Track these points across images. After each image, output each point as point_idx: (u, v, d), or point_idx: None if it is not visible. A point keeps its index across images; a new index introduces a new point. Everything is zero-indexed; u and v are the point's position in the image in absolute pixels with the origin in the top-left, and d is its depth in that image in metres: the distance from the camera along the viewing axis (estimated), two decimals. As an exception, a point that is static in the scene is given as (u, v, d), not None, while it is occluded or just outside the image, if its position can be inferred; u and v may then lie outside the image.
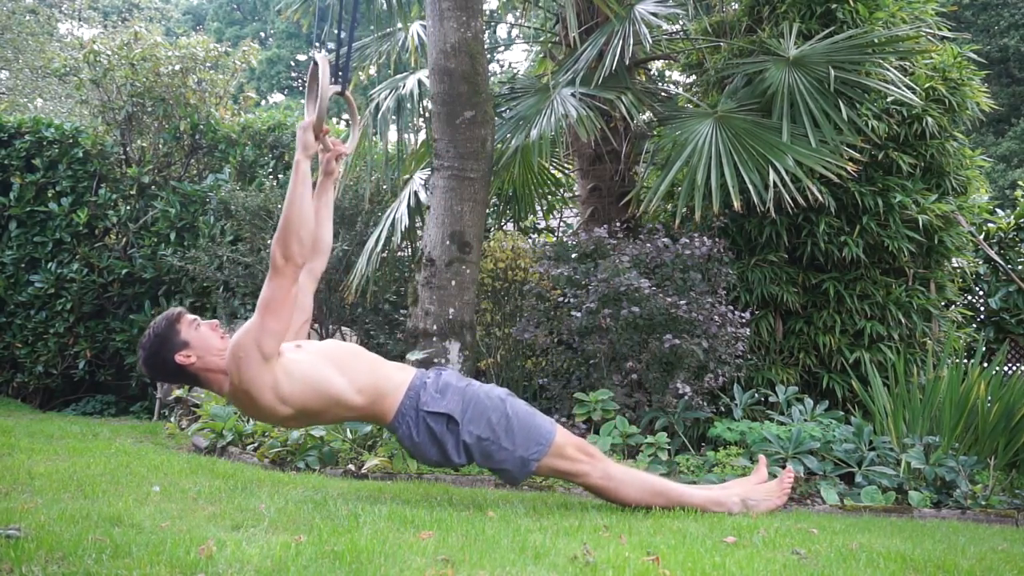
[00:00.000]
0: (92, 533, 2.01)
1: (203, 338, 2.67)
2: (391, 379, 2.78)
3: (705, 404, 4.29)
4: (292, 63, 25.10)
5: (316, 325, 6.24)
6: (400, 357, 5.60)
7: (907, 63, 4.93)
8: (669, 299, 4.23)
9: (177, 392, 5.52)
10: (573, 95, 4.78)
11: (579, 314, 4.35)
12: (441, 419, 2.73)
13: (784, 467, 3.55)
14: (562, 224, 7.06)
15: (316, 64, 2.85)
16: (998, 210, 6.94)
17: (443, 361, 4.23)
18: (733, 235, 4.93)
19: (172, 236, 7.38)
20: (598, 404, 4.07)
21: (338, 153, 3.05)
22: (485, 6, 6.20)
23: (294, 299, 2.64)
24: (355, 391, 2.69)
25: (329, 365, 2.69)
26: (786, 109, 4.53)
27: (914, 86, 4.71)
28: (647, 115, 5.36)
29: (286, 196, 2.63)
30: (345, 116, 12.33)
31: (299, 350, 2.72)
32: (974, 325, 6.57)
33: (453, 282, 4.29)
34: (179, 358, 2.64)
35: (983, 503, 3.38)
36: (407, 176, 6.01)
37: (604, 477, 2.84)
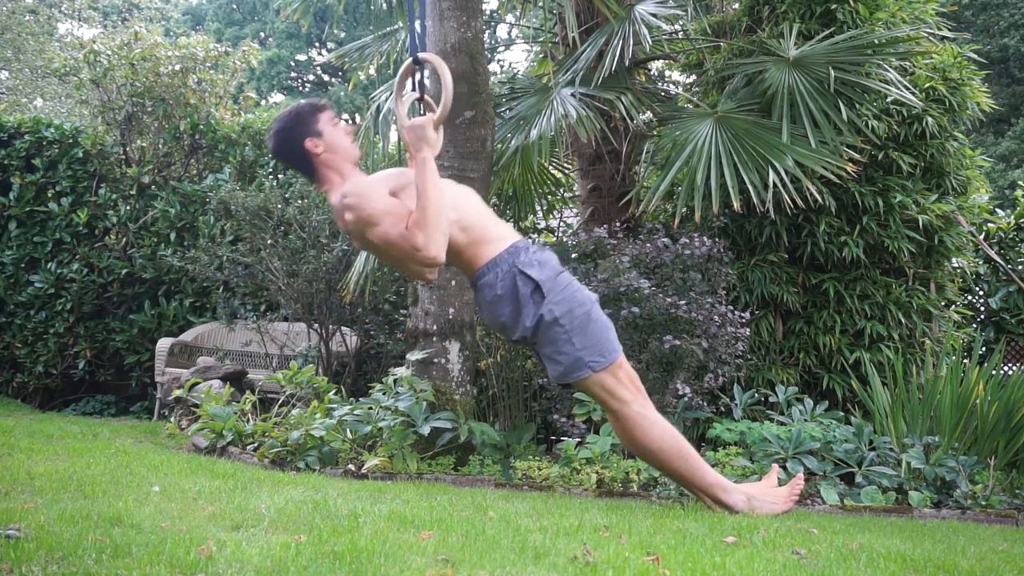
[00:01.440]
0: (92, 533, 2.01)
1: (337, 136, 2.78)
2: (496, 229, 2.84)
3: (705, 404, 4.29)
4: (292, 63, 25.10)
5: (316, 325, 6.24)
6: (400, 357, 5.60)
7: (907, 63, 4.93)
8: (669, 299, 4.23)
9: (177, 392, 5.52)
10: (573, 95, 4.77)
11: (579, 314, 4.34)
12: (530, 284, 2.75)
13: (785, 467, 3.56)
14: (562, 224, 7.05)
15: (416, 61, 2.91)
16: (998, 210, 6.94)
17: (443, 361, 4.23)
18: (733, 235, 4.93)
19: (172, 236, 7.38)
20: (598, 404, 4.06)
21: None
22: (485, 6, 6.20)
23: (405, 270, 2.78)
24: (460, 229, 2.75)
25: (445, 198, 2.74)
26: (786, 109, 4.53)
27: (914, 87, 4.71)
28: (647, 115, 5.36)
29: (425, 194, 2.64)
30: (345, 117, 12.35)
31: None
32: (974, 325, 6.57)
33: (453, 282, 4.28)
34: (309, 143, 2.75)
35: (983, 503, 3.38)
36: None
37: (640, 414, 2.85)
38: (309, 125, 2.76)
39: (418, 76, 2.95)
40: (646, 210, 4.92)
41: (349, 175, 2.78)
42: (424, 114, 2.91)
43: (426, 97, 3.04)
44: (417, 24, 3.04)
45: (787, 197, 4.32)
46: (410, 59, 2.94)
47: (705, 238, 4.56)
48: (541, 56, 6.71)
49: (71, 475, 3.08)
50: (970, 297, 6.75)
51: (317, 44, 25.29)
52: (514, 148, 4.87)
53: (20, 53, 15.24)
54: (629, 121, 5.06)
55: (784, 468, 3.54)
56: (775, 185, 4.34)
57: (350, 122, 11.55)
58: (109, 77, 7.64)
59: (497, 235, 2.82)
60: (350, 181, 2.76)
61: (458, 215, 2.75)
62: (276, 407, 4.96)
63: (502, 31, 19.61)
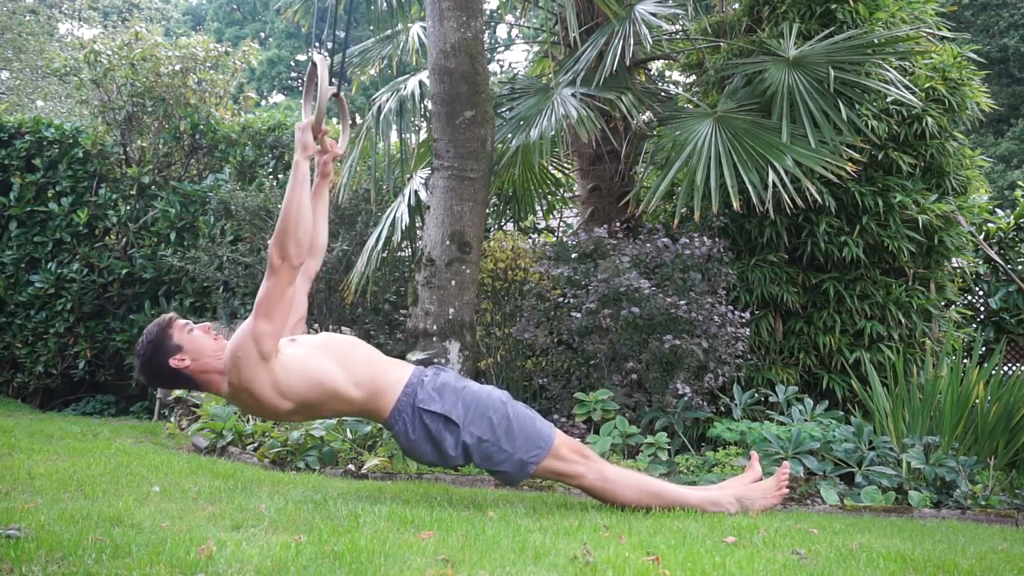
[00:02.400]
0: (92, 533, 2.01)
1: (196, 341, 2.68)
2: (388, 374, 2.78)
3: (705, 404, 4.29)
4: (292, 63, 25.10)
5: (316, 325, 6.24)
6: (400, 357, 5.59)
7: (907, 63, 4.93)
8: (669, 299, 4.23)
9: (177, 392, 5.53)
10: (573, 95, 4.78)
11: (579, 314, 4.35)
12: (438, 419, 2.73)
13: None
14: (562, 224, 7.06)
15: (314, 65, 2.86)
16: (998, 210, 6.94)
17: (443, 361, 4.23)
18: (733, 235, 4.93)
19: (172, 236, 7.38)
20: (598, 404, 4.07)
21: (334, 155, 3.07)
22: (485, 6, 6.20)
23: (291, 299, 2.65)
24: (352, 384, 2.70)
25: (326, 356, 2.71)
26: (786, 109, 4.53)
27: (914, 86, 4.71)
28: (647, 115, 5.36)
29: (285, 197, 2.63)
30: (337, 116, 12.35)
31: (295, 344, 2.74)
32: (974, 325, 6.57)
33: (453, 282, 4.29)
34: (174, 362, 2.66)
35: (983, 503, 3.38)
36: (408, 176, 6.01)
37: (600, 479, 2.85)
38: (166, 345, 2.66)
39: (327, 75, 2.89)
40: (646, 210, 4.92)
41: (221, 362, 2.68)
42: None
43: (341, 95, 3.00)
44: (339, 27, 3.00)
45: (787, 197, 4.32)
46: (310, 64, 2.92)
47: (705, 238, 4.56)
48: (541, 56, 6.71)
49: (71, 475, 3.08)
50: (970, 297, 6.76)
51: (317, 44, 25.27)
52: (514, 148, 4.87)
53: (20, 53, 15.24)
54: (629, 121, 5.06)
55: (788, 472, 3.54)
56: (775, 185, 4.34)
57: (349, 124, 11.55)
58: (109, 77, 7.64)
59: (391, 381, 2.76)
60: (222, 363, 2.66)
61: (346, 372, 2.69)
62: (276, 407, 4.95)
63: (502, 31, 19.62)
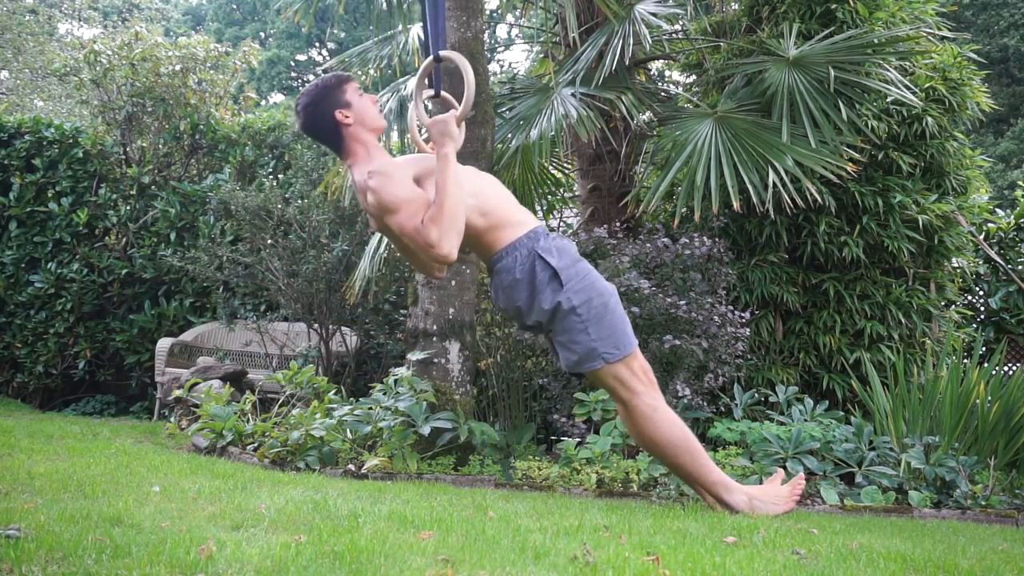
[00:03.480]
0: (92, 533, 2.01)
1: (365, 104, 2.80)
2: (517, 214, 2.84)
3: (705, 404, 4.29)
4: (292, 63, 25.10)
5: (316, 325, 6.24)
6: (400, 357, 5.60)
7: (907, 63, 4.93)
8: (669, 299, 4.23)
9: (177, 392, 5.52)
10: (573, 95, 4.78)
11: (579, 314, 4.35)
12: (549, 271, 2.75)
13: (785, 467, 3.56)
14: (562, 224, 7.05)
15: (437, 59, 2.94)
16: (998, 210, 6.94)
17: (443, 361, 4.23)
18: (733, 235, 4.93)
19: (172, 236, 7.38)
20: (598, 404, 4.07)
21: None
22: (485, 6, 6.19)
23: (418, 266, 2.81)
24: (479, 213, 2.76)
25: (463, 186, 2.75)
26: (786, 109, 4.53)
27: (914, 86, 4.71)
28: (647, 115, 5.36)
29: (444, 190, 2.64)
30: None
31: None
32: (974, 325, 6.57)
33: (453, 282, 4.28)
34: (338, 115, 2.76)
35: (983, 503, 3.38)
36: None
37: (651, 406, 2.83)
38: (337, 97, 2.77)
39: (471, 70, 2.94)
40: (646, 210, 4.92)
41: (374, 150, 2.79)
42: (433, 113, 2.92)
43: (443, 94, 3.06)
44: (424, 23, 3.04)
45: (787, 197, 4.32)
46: (430, 57, 2.95)
47: (705, 238, 4.56)
48: (542, 56, 6.71)
49: (71, 475, 3.08)
50: (970, 297, 6.75)
51: (317, 44, 25.29)
52: (514, 148, 4.87)
53: (20, 53, 15.24)
54: (629, 121, 5.06)
55: (784, 468, 3.54)
56: (775, 185, 4.34)
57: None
58: (109, 77, 7.65)
59: (517, 220, 2.82)
60: (376, 160, 2.75)
61: (477, 201, 2.75)
62: (276, 407, 4.96)
63: (502, 31, 19.61)
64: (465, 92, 2.82)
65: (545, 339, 3.09)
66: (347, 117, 2.76)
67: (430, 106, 3.14)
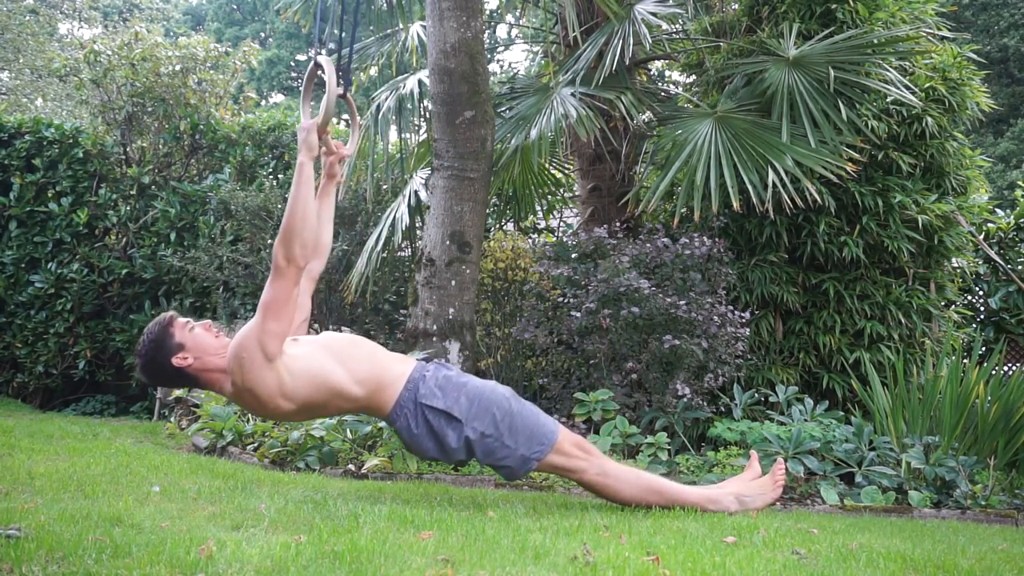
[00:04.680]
0: (92, 533, 2.01)
1: (198, 339, 2.67)
2: (391, 370, 2.77)
3: (705, 404, 4.29)
4: (292, 63, 25.10)
5: (316, 325, 6.24)
6: (400, 357, 5.60)
7: (907, 63, 4.93)
8: (669, 299, 4.23)
9: (177, 392, 5.53)
10: (573, 95, 4.78)
11: (579, 314, 4.35)
12: (440, 415, 2.72)
13: (785, 468, 3.55)
14: (562, 224, 7.05)
15: (317, 65, 2.87)
16: (997, 210, 6.94)
17: (443, 361, 4.23)
18: (733, 235, 4.93)
19: (172, 236, 7.38)
20: (598, 404, 4.07)
21: (340, 156, 3.06)
22: (485, 6, 6.20)
23: (296, 300, 2.65)
24: (354, 382, 2.69)
25: (328, 356, 2.70)
26: (786, 109, 4.53)
27: (914, 86, 4.71)
28: (647, 115, 5.36)
29: (289, 198, 2.62)
30: (345, 117, 12.37)
31: (297, 344, 2.73)
32: (974, 325, 6.57)
33: (453, 282, 4.28)
34: (176, 361, 2.64)
35: (983, 503, 3.38)
36: (407, 176, 6.01)
37: (601, 474, 2.83)
38: (167, 344, 2.65)
39: (335, 75, 2.88)
40: (646, 210, 4.92)
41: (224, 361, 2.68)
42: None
43: (348, 96, 2.99)
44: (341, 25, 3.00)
45: (787, 197, 4.32)
46: (312, 63, 2.92)
47: (705, 238, 4.56)
48: (543, 59, 6.71)
49: (71, 475, 3.08)
50: (970, 297, 6.75)
51: (317, 45, 25.26)
52: (514, 148, 4.87)
53: (20, 53, 15.24)
54: (629, 121, 5.06)
55: (784, 469, 3.54)
56: (775, 185, 4.34)
57: (341, 123, 11.59)
58: (109, 77, 7.64)
59: (393, 376, 2.76)
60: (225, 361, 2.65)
61: (348, 370, 2.68)
62: (276, 407, 4.95)
63: (502, 31, 19.61)
64: (324, 100, 2.76)
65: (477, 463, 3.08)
66: (186, 359, 2.65)
67: (315, 106, 3.02)
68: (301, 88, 2.92)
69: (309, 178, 2.66)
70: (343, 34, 2.98)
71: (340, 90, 2.93)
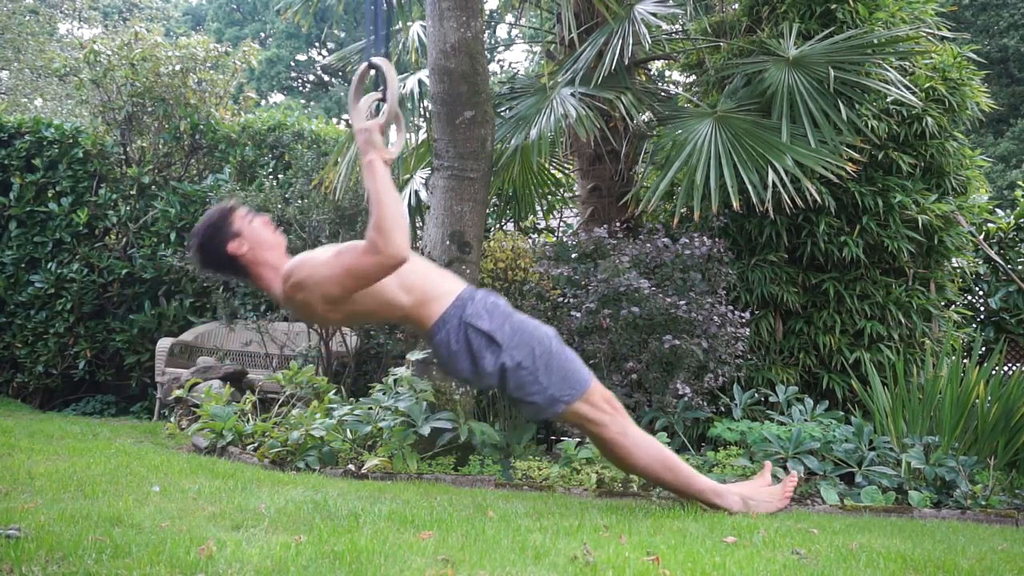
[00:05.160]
0: (92, 533, 2.01)
1: (256, 231, 2.73)
2: (441, 285, 2.81)
3: (705, 404, 4.29)
4: (292, 63, 25.10)
5: (316, 325, 6.24)
6: (400, 357, 5.60)
7: (907, 63, 4.93)
8: (669, 299, 4.23)
9: (177, 392, 5.52)
10: (573, 95, 4.77)
11: (579, 314, 4.35)
12: (483, 336, 2.73)
13: (785, 467, 3.56)
14: (562, 224, 7.05)
15: (370, 65, 2.89)
16: (998, 210, 6.94)
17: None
18: (733, 235, 4.93)
19: (172, 236, 7.38)
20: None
21: (389, 159, 3.07)
22: (485, 6, 6.19)
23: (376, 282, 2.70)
24: (404, 291, 2.72)
25: None
26: (786, 109, 4.53)
27: (914, 86, 4.71)
28: (647, 115, 5.36)
29: (377, 196, 2.58)
30: (345, 116, 12.37)
31: None
32: (974, 325, 6.57)
33: (453, 282, 4.28)
34: (231, 247, 2.69)
35: (983, 503, 3.38)
36: (407, 176, 6.01)
37: (621, 433, 2.83)
38: (226, 230, 2.70)
39: (395, 76, 2.91)
40: (646, 210, 4.92)
41: (280, 262, 2.72)
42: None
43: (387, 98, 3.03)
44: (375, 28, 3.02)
45: (787, 197, 4.32)
46: (364, 63, 2.93)
47: (705, 238, 4.56)
48: (543, 59, 6.70)
49: (71, 475, 3.08)
50: (970, 297, 6.75)
51: (317, 44, 25.29)
52: (514, 148, 4.87)
53: (20, 53, 15.24)
54: (629, 121, 5.06)
55: (784, 468, 3.54)
56: (775, 185, 4.34)
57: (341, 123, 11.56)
58: (109, 77, 7.65)
59: (442, 291, 2.78)
60: (285, 265, 2.68)
61: (399, 278, 2.69)
62: (276, 407, 4.96)
63: (502, 31, 19.62)
64: (387, 99, 2.78)
65: (502, 397, 3.08)
66: (241, 247, 2.69)
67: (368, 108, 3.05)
68: (349, 89, 2.93)
69: (389, 174, 2.67)
70: (382, 32, 2.99)
71: (379, 93, 2.96)
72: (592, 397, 2.80)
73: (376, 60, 2.89)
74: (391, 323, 3.01)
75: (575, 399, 2.77)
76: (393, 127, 2.87)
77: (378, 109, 2.96)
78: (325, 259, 2.61)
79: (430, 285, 2.78)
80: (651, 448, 2.87)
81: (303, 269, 2.61)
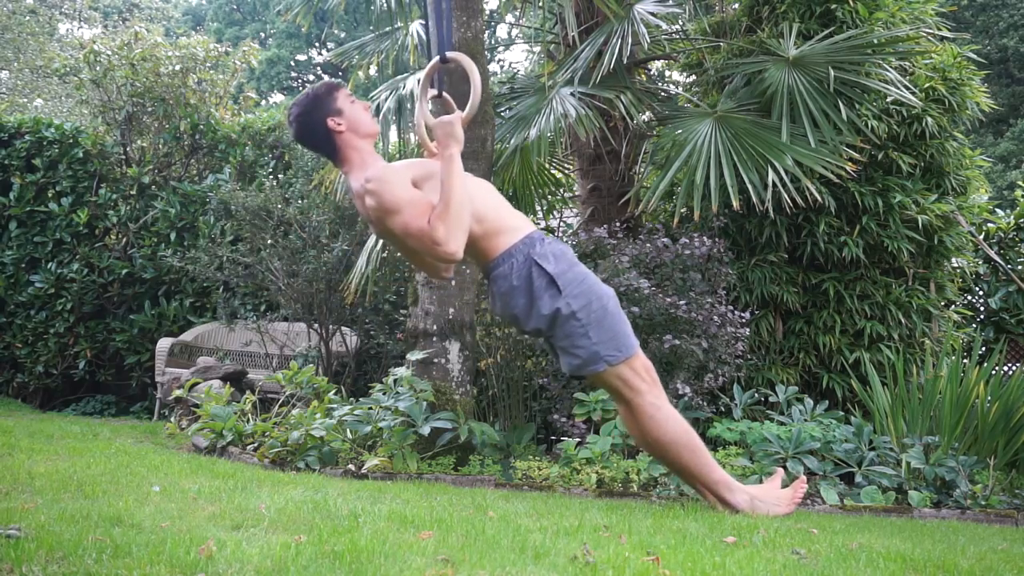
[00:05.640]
0: (92, 533, 2.01)
1: (357, 111, 2.80)
2: (513, 219, 2.84)
3: (705, 404, 4.29)
4: (292, 63, 25.10)
5: (316, 325, 6.24)
6: (400, 357, 5.60)
7: (907, 63, 4.93)
8: (669, 299, 4.24)
9: (177, 392, 5.52)
10: (572, 95, 4.77)
11: (579, 314, 4.35)
12: (546, 277, 2.74)
13: (785, 467, 3.55)
14: (562, 224, 7.05)
15: (444, 60, 2.96)
16: (997, 210, 6.94)
17: (443, 361, 4.23)
18: (733, 235, 4.93)
19: (172, 236, 7.38)
20: (598, 404, 4.07)
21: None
22: (485, 6, 6.19)
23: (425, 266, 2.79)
24: (475, 220, 2.74)
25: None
26: (786, 109, 4.53)
27: (914, 86, 4.71)
28: (647, 115, 5.36)
29: (450, 190, 2.65)
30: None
31: (433, 178, 2.77)
32: (974, 325, 6.57)
33: (453, 282, 4.28)
34: (330, 122, 2.76)
35: (983, 503, 3.38)
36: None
37: (654, 405, 2.83)
38: (328, 105, 2.77)
39: (476, 71, 2.96)
40: (646, 210, 4.92)
41: (369, 157, 2.79)
42: (437, 113, 2.93)
43: (444, 95, 3.06)
44: (439, 23, 3.07)
45: (787, 197, 4.32)
46: (437, 58, 2.96)
47: (705, 238, 4.56)
48: (543, 59, 6.70)
49: (71, 475, 3.08)
50: (970, 297, 6.75)
51: (317, 44, 25.30)
52: (514, 148, 4.87)
53: (20, 53, 15.24)
54: (629, 121, 5.06)
55: (784, 468, 3.54)
56: (775, 185, 4.34)
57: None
58: (109, 77, 7.65)
59: (512, 225, 2.82)
60: (373, 166, 2.75)
61: (473, 206, 2.73)
62: (276, 407, 4.96)
63: (502, 31, 19.61)
64: (472, 93, 2.84)
65: (545, 343, 3.09)
66: (339, 124, 2.76)
67: (431, 106, 3.14)
68: (419, 84, 3.02)
69: (461, 168, 2.72)
70: (442, 31, 3.04)
71: (435, 91, 3.01)
72: (635, 364, 2.81)
73: (452, 54, 2.93)
74: None
75: (618, 361, 2.77)
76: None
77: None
78: (401, 196, 2.65)
79: (502, 218, 2.82)
80: (680, 426, 2.87)
81: (383, 185, 2.66)
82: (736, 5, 5.55)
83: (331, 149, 2.81)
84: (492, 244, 2.79)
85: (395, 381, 4.23)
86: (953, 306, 5.55)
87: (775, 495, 2.99)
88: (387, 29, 6.36)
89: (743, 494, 2.91)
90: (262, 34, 25.55)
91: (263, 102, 23.11)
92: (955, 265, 5.29)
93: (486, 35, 5.25)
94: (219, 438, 4.48)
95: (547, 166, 6.06)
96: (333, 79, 3.06)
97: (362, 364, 6.62)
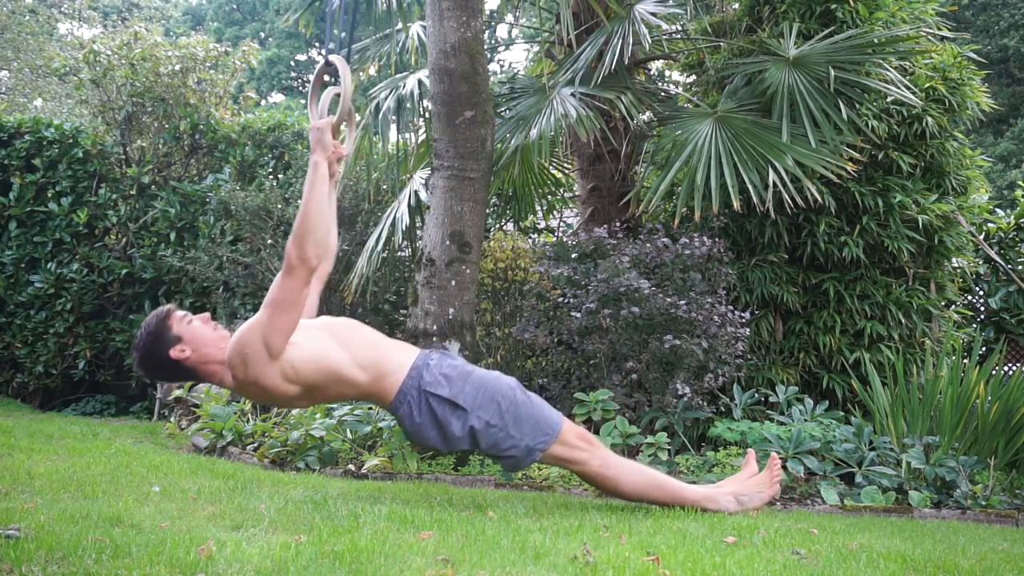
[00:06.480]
0: (92, 533, 2.01)
1: (196, 331, 2.65)
2: (393, 356, 2.76)
3: (705, 404, 4.29)
4: (292, 63, 25.10)
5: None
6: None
7: (907, 63, 4.93)
8: (669, 299, 4.23)
9: (177, 392, 5.52)
10: (573, 95, 4.77)
11: (579, 314, 4.35)
12: (445, 403, 2.70)
13: (785, 467, 3.55)
14: (562, 224, 7.05)
15: (328, 64, 2.86)
16: (998, 210, 6.94)
17: (446, 349, 4.22)
18: (733, 235, 4.93)
19: (172, 236, 7.38)
20: (598, 404, 4.07)
21: (339, 155, 3.06)
22: (485, 6, 6.19)
23: (305, 299, 2.63)
24: (357, 367, 2.68)
25: (330, 340, 2.69)
26: (786, 109, 4.53)
27: (914, 86, 4.71)
28: (647, 115, 5.36)
29: (304, 197, 2.60)
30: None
31: (298, 330, 2.70)
32: (974, 325, 6.57)
33: (453, 282, 4.28)
34: (174, 353, 2.62)
35: (983, 503, 3.38)
36: (407, 176, 6.01)
37: (603, 466, 2.82)
38: (166, 336, 2.63)
39: (348, 74, 2.89)
40: (646, 210, 4.92)
41: (221, 353, 2.66)
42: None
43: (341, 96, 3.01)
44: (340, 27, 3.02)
45: (787, 197, 4.32)
46: (323, 61, 2.92)
47: (705, 238, 4.56)
48: (541, 57, 6.70)
49: (71, 475, 3.08)
50: (970, 297, 6.75)
51: (317, 44, 25.27)
52: (514, 148, 4.87)
53: (20, 53, 15.24)
54: (629, 121, 5.06)
55: (784, 468, 3.54)
56: (775, 185, 4.34)
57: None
58: (109, 77, 7.64)
59: (395, 363, 2.74)
60: (224, 351, 2.63)
61: (349, 354, 2.67)
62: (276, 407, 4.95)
63: (502, 31, 19.62)
64: (341, 98, 2.76)
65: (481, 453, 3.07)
66: (184, 351, 2.62)
67: (327, 109, 3.05)
68: (308, 87, 2.92)
69: (324, 177, 2.64)
70: (343, 33, 2.99)
71: (338, 89, 2.92)
72: (566, 437, 2.78)
73: (332, 57, 2.86)
74: (351, 399, 2.99)
75: (550, 444, 2.75)
76: (345, 125, 2.84)
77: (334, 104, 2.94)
78: (252, 319, 2.57)
79: (382, 357, 2.73)
80: (635, 472, 2.88)
81: (236, 341, 2.56)
82: (736, 5, 5.55)
83: (189, 374, 2.70)
84: (382, 388, 2.72)
85: (395, 381, 4.22)
86: (953, 306, 5.55)
87: (755, 483, 2.99)
88: (387, 31, 6.36)
89: (726, 498, 2.92)
90: (262, 34, 25.55)
91: (263, 102, 23.11)
92: (955, 265, 5.29)
93: (486, 35, 5.25)
94: (219, 438, 4.48)
95: (547, 166, 6.06)
96: (160, 308, 2.96)
97: (362, 364, 6.61)
